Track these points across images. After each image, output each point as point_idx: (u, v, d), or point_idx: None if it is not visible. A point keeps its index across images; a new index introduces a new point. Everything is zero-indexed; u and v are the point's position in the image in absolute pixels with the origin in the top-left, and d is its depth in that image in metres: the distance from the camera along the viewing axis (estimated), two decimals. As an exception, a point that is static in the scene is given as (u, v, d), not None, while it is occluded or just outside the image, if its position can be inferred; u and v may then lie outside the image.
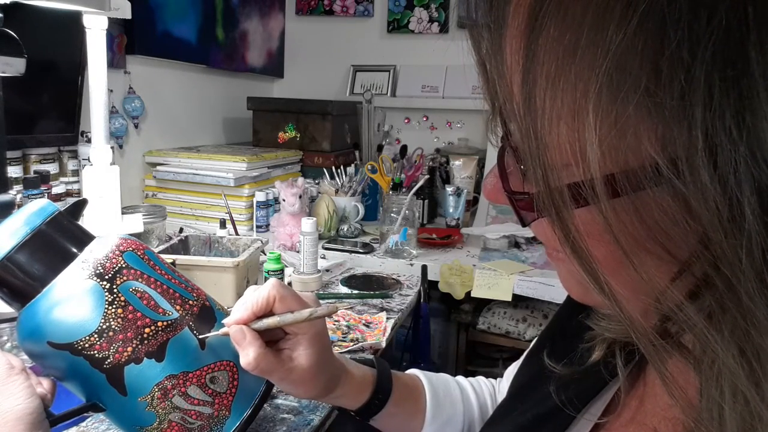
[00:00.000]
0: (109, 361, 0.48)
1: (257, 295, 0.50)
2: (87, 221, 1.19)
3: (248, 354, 0.48)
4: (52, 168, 1.36)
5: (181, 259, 1.13)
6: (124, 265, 0.50)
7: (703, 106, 0.22)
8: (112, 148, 1.23)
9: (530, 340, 1.64)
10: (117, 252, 0.51)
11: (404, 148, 2.03)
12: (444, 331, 1.85)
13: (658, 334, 0.28)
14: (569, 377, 0.42)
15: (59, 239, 0.49)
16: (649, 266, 0.26)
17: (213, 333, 0.52)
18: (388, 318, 1.15)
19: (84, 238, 0.52)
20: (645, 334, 0.28)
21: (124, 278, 0.50)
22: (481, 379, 0.70)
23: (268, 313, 0.50)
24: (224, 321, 0.50)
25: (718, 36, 0.22)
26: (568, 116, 0.26)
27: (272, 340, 0.51)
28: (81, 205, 0.54)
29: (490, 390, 0.68)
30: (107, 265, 0.50)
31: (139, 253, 0.53)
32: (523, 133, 0.28)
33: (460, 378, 0.69)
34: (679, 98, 0.23)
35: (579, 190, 0.26)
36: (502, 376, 0.68)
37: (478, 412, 0.65)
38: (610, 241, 0.26)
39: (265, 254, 1.28)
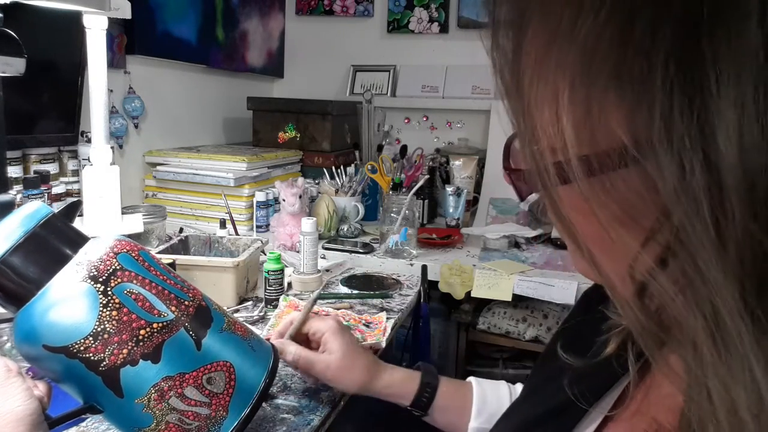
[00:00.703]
0: (104, 363, 0.48)
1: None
2: (87, 221, 1.19)
3: (290, 352, 0.66)
4: (52, 168, 1.36)
5: (180, 259, 1.13)
6: (118, 267, 0.50)
7: (661, 90, 0.24)
8: (112, 148, 1.23)
9: (530, 340, 1.64)
10: (111, 254, 0.51)
11: (404, 148, 2.03)
12: (444, 331, 1.84)
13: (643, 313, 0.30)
14: (582, 371, 0.44)
15: (53, 241, 0.49)
16: (624, 236, 0.29)
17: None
18: (388, 318, 1.15)
19: (78, 240, 0.51)
20: (628, 300, 0.30)
21: (119, 280, 0.50)
22: None
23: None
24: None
25: (676, 27, 0.24)
26: (550, 101, 0.29)
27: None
28: (75, 206, 0.54)
29: None
30: (101, 267, 0.50)
31: (133, 254, 0.53)
32: (514, 114, 0.31)
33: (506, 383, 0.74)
34: (640, 83, 0.25)
35: (562, 169, 0.29)
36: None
37: None
38: (590, 215, 0.29)
39: (265, 254, 1.28)
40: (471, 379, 0.72)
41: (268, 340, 0.63)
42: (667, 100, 0.24)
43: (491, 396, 0.69)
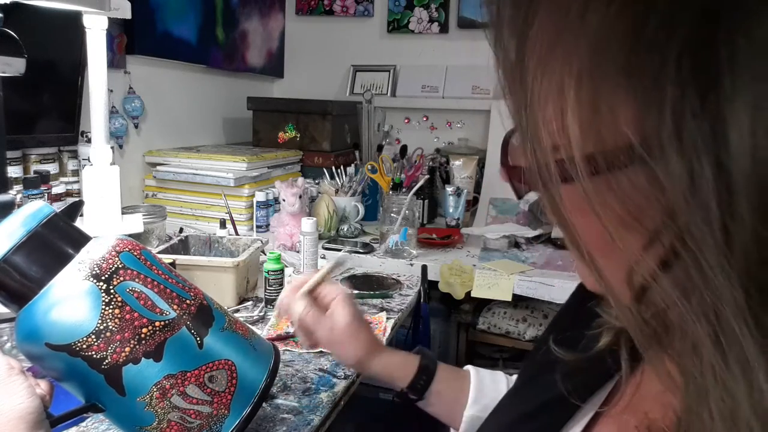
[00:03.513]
0: (107, 361, 0.49)
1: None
2: (87, 221, 1.19)
3: (299, 305, 0.64)
4: (52, 168, 1.36)
5: (181, 259, 1.13)
6: (120, 266, 0.50)
7: (672, 89, 0.23)
8: (112, 148, 1.23)
9: (530, 340, 1.64)
10: (113, 253, 0.51)
11: (404, 148, 2.03)
12: (444, 331, 1.84)
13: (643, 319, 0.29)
14: (574, 365, 0.43)
15: (56, 241, 0.49)
16: (626, 238, 0.28)
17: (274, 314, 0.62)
18: (388, 318, 1.15)
19: (80, 239, 0.52)
20: (626, 304, 0.29)
21: (121, 279, 0.50)
22: None
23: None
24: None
25: (692, 21, 0.23)
26: (554, 95, 0.27)
27: None
28: (77, 206, 0.54)
29: None
30: (104, 265, 0.50)
31: (135, 253, 0.53)
32: (516, 109, 0.30)
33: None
34: (652, 80, 0.24)
35: (564, 167, 0.28)
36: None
37: None
38: (591, 215, 0.28)
39: (265, 254, 1.28)
40: (469, 367, 0.71)
41: (272, 340, 0.61)
42: (679, 98, 0.23)
43: (489, 386, 0.68)
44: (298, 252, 1.41)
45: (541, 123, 0.28)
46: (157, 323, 0.50)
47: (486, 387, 0.67)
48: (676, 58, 0.23)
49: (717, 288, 0.24)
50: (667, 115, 0.24)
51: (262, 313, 1.14)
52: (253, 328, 0.68)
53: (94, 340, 0.48)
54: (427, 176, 1.74)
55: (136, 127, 1.73)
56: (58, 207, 0.51)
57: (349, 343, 0.65)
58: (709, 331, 0.25)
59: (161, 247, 1.21)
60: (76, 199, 0.55)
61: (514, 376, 0.71)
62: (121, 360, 0.49)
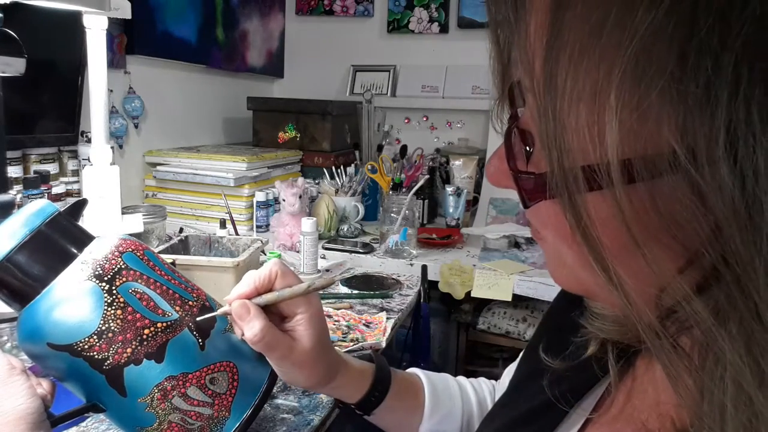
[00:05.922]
0: (108, 362, 0.48)
1: (259, 271, 0.53)
2: (87, 221, 1.19)
3: (254, 326, 0.49)
4: (52, 168, 1.36)
5: (181, 259, 1.13)
6: (123, 266, 0.50)
7: (728, 97, 0.22)
8: (112, 148, 1.23)
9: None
10: (116, 253, 0.51)
11: (404, 148, 2.03)
12: (444, 331, 1.85)
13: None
14: (562, 372, 0.42)
15: (59, 240, 0.49)
16: (658, 256, 0.26)
17: (213, 313, 0.53)
18: (388, 318, 1.15)
19: (84, 239, 0.52)
20: (651, 325, 0.27)
21: (124, 279, 0.50)
22: (481, 379, 0.70)
23: (269, 290, 0.53)
24: (225, 298, 0.52)
25: (751, 26, 0.21)
26: (588, 98, 0.25)
27: (272, 322, 0.52)
28: (81, 205, 0.54)
29: (490, 389, 0.69)
30: (106, 266, 0.50)
31: (138, 253, 0.53)
32: (540, 112, 0.27)
33: (459, 377, 0.69)
34: (704, 87, 0.22)
35: (593, 174, 0.25)
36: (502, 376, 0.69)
37: (477, 408, 0.65)
38: (620, 227, 0.26)
39: (265, 254, 1.28)
40: (419, 373, 0.65)
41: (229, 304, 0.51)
42: (735, 108, 0.22)
43: (443, 395, 0.63)
44: (298, 252, 1.41)
45: (571, 126, 0.26)
46: (159, 324, 0.50)
47: (440, 396, 0.63)
48: (732, 65, 0.21)
49: (762, 315, 0.22)
50: (720, 126, 0.22)
51: (262, 314, 1.14)
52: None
53: (96, 340, 0.48)
54: (427, 176, 1.74)
55: (136, 127, 1.73)
56: (60, 206, 0.51)
57: (304, 371, 0.53)
58: (748, 359, 0.23)
59: (161, 247, 1.21)
60: (80, 198, 0.54)
61: (482, 381, 0.69)
62: (122, 361, 0.49)
